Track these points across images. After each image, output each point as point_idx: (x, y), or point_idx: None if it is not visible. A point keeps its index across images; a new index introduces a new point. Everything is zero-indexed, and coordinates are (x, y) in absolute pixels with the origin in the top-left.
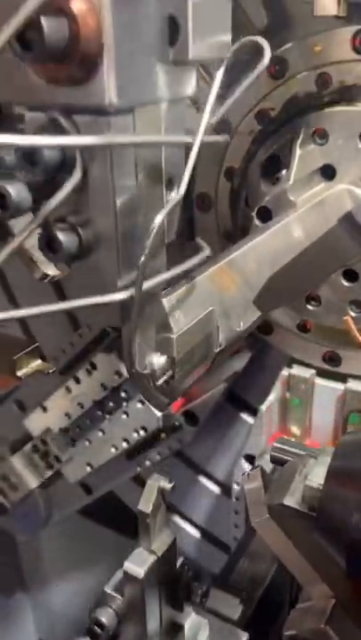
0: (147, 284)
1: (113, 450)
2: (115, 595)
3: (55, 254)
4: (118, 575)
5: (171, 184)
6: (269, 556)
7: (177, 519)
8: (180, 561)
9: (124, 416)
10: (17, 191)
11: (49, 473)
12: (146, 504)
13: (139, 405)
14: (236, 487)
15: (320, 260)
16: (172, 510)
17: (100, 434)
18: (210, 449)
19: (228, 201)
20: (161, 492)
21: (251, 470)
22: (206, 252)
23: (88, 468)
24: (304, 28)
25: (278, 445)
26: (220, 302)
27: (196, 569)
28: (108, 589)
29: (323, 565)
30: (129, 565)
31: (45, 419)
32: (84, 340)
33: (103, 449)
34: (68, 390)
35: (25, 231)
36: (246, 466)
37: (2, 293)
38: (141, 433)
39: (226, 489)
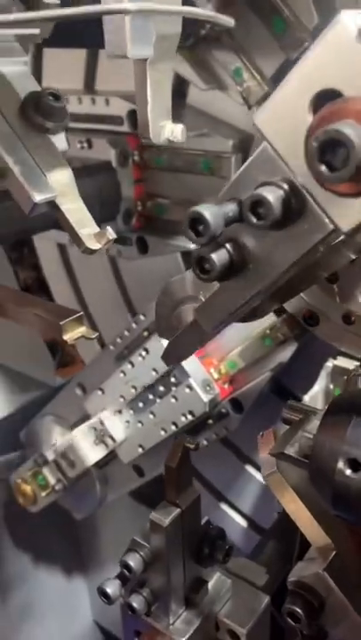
0: None
1: (163, 432)
2: (143, 542)
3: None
4: (147, 527)
5: None
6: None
7: (225, 507)
8: (204, 519)
9: (173, 400)
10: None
11: (104, 452)
12: (172, 459)
13: (187, 390)
14: None
15: None
16: (220, 499)
17: (151, 416)
18: (255, 436)
19: None
20: (186, 450)
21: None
22: None
23: (140, 450)
24: None
25: (289, 406)
26: None
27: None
28: (137, 538)
29: (325, 518)
30: (155, 515)
31: (102, 400)
32: (139, 326)
33: (153, 431)
34: (124, 374)
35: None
36: None
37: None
38: (189, 417)
39: None
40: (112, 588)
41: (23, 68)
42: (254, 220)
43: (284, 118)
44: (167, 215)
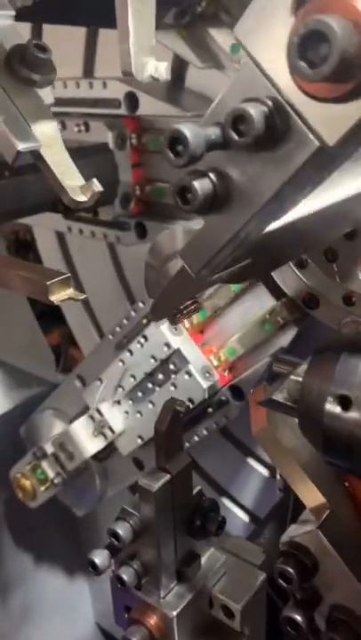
0: None
1: None
2: (132, 511)
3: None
4: (137, 496)
5: None
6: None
7: (226, 502)
8: (196, 489)
9: (172, 388)
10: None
11: (103, 443)
12: (161, 423)
13: (186, 377)
14: None
15: None
16: (222, 493)
17: (151, 406)
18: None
19: None
20: (176, 413)
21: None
22: None
23: (139, 441)
24: None
25: (278, 359)
26: None
27: None
28: (127, 506)
29: (319, 475)
30: (143, 481)
31: (101, 391)
32: (138, 314)
33: (153, 421)
34: (123, 362)
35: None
36: None
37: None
38: (188, 405)
39: (274, 471)
40: (100, 559)
41: (9, 22)
42: (236, 137)
43: (265, 27)
44: (167, 199)
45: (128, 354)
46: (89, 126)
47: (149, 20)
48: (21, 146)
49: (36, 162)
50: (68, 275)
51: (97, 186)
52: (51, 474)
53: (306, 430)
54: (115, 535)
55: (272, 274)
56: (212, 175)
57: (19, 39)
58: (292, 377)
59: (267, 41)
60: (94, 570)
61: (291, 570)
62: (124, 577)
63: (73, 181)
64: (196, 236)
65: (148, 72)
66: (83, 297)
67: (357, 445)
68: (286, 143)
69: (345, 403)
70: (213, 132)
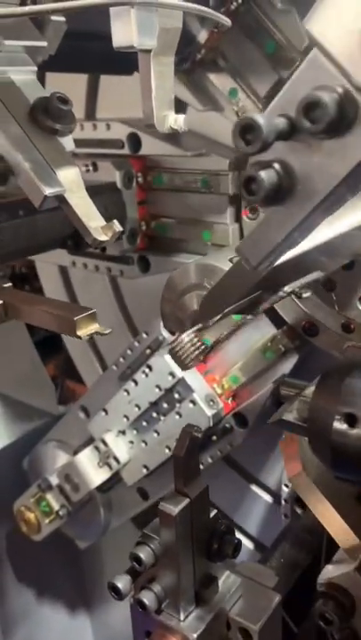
0: None
1: (167, 451)
2: (152, 535)
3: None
4: (157, 521)
5: None
6: (309, 545)
7: None
8: (213, 513)
9: (177, 416)
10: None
11: (108, 473)
12: (179, 448)
13: (191, 405)
14: (285, 489)
15: None
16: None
17: (155, 435)
18: (260, 455)
19: None
20: (193, 439)
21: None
22: None
23: (144, 470)
24: None
25: (285, 383)
26: None
27: None
28: (147, 531)
29: (353, 516)
30: (164, 505)
31: (106, 421)
32: (142, 344)
33: (158, 450)
34: (127, 392)
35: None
36: None
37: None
38: None
39: (278, 497)
40: (123, 583)
41: (32, 77)
42: (308, 124)
43: (336, 16)
44: (170, 234)
45: (133, 384)
46: (97, 166)
47: (169, 78)
48: (48, 191)
49: (60, 205)
50: (94, 310)
51: (117, 226)
52: (55, 506)
53: (316, 447)
54: (137, 559)
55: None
56: (276, 166)
57: (41, 92)
58: (301, 398)
59: (338, 30)
60: (117, 595)
61: (331, 612)
62: (146, 601)
63: (95, 221)
64: (256, 230)
65: (169, 124)
66: (109, 332)
67: None
68: (354, 131)
69: (351, 420)
70: (281, 122)
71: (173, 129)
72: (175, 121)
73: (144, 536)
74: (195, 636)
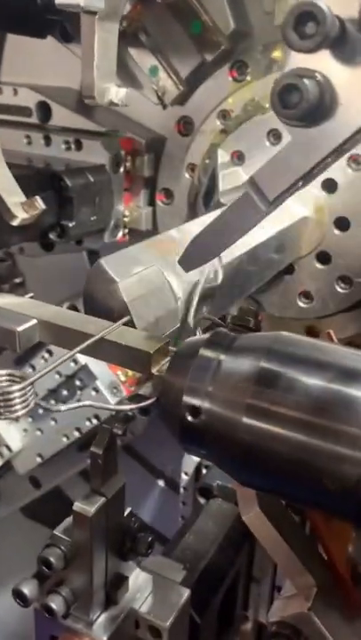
0: None
1: (65, 439)
2: (63, 537)
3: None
4: (68, 520)
5: None
6: (213, 535)
7: None
8: (127, 511)
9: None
10: None
11: None
12: (98, 446)
13: (93, 393)
14: (184, 477)
15: None
16: None
17: (53, 423)
18: (157, 443)
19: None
20: (113, 435)
21: None
22: None
23: (38, 459)
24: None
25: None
26: (164, 262)
27: None
28: (57, 532)
29: (305, 554)
30: (78, 505)
31: None
32: None
33: (54, 439)
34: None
35: None
36: (194, 458)
37: None
38: (94, 421)
39: (172, 483)
40: (29, 588)
41: None
42: None
43: None
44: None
45: (30, 369)
46: (81, 144)
47: (113, 47)
48: None
49: None
50: (168, 339)
51: (40, 203)
52: None
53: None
54: (46, 563)
55: None
56: (320, 77)
57: None
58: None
59: None
60: (23, 602)
61: None
62: (53, 606)
63: (15, 197)
64: (277, 159)
65: (110, 97)
66: None
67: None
68: None
69: (195, 412)
70: (335, 23)
71: (114, 103)
72: (117, 94)
73: (53, 537)
74: (104, 638)
